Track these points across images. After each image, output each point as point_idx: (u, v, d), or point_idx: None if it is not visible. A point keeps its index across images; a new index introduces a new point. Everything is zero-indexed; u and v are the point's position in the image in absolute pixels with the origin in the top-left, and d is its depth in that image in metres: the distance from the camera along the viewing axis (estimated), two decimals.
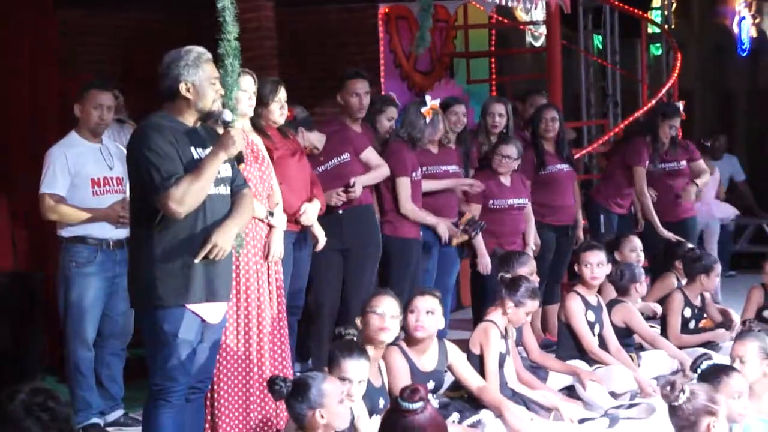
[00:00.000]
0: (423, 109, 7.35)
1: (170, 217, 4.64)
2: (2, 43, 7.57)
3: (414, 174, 7.30)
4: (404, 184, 7.23)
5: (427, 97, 7.50)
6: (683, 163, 9.07)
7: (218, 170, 4.76)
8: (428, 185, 7.46)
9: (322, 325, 6.82)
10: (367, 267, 6.95)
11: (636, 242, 8.05)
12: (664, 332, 7.63)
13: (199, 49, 4.83)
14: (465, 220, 7.65)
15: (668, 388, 4.12)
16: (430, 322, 5.62)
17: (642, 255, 8.01)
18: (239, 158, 4.84)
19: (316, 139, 6.88)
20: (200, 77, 4.76)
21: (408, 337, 5.66)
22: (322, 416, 4.45)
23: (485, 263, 7.68)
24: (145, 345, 4.86)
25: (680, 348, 7.29)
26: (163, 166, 4.62)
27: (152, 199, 4.65)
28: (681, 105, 9.16)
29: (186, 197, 4.60)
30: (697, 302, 7.76)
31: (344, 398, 4.56)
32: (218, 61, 4.98)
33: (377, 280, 7.13)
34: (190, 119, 4.83)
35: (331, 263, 6.76)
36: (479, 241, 7.69)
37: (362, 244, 6.91)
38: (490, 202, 7.79)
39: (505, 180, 7.87)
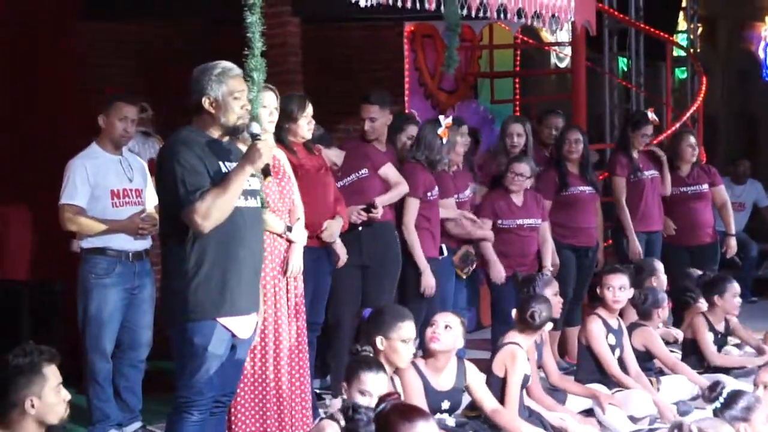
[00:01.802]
0: (439, 131, 7.33)
1: (195, 231, 4.64)
2: (25, 54, 7.62)
3: (429, 194, 7.28)
4: (412, 206, 7.20)
5: (441, 117, 7.48)
6: (705, 186, 9.01)
7: (247, 182, 4.77)
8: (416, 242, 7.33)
9: (341, 341, 6.81)
10: (386, 284, 6.94)
11: (659, 266, 7.99)
12: (689, 356, 7.57)
13: (226, 64, 4.84)
14: (459, 255, 7.65)
15: (676, 431, 4.12)
16: (447, 337, 5.60)
17: (664, 278, 7.96)
18: (266, 172, 4.84)
19: (334, 155, 6.89)
20: (223, 92, 4.77)
21: (425, 355, 5.64)
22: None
23: (498, 270, 7.63)
24: (173, 357, 4.85)
25: (719, 368, 7.24)
26: (188, 180, 4.63)
27: (179, 213, 4.65)
28: (650, 113, 9.09)
29: (211, 211, 4.61)
30: (721, 327, 7.71)
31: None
32: (244, 75, 4.99)
33: (396, 296, 7.12)
34: (216, 133, 4.84)
35: (350, 279, 6.75)
36: (489, 251, 7.66)
37: (382, 261, 6.90)
38: (499, 221, 7.75)
39: (517, 199, 7.81)
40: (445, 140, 7.32)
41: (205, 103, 4.77)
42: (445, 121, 7.39)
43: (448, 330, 5.60)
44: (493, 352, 6.22)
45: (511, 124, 8.32)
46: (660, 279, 7.84)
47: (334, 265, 6.46)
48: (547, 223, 7.95)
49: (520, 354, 6.04)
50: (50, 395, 4.02)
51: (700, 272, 8.21)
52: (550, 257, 7.94)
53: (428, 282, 7.18)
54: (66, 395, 4.07)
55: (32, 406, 3.99)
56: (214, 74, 4.78)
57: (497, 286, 7.73)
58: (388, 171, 7.03)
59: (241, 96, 4.83)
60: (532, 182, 7.87)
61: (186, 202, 4.61)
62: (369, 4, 5.99)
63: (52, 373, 4.04)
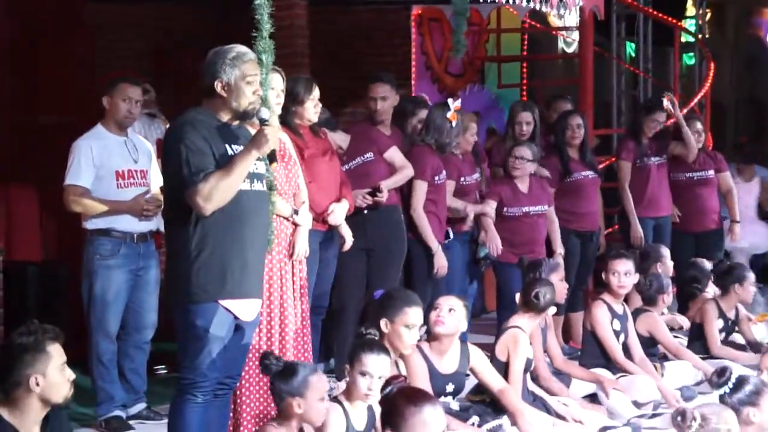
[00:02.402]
0: (448, 114, 7.32)
1: (197, 212, 4.64)
2: (33, 37, 7.61)
3: (437, 178, 7.28)
4: (420, 188, 7.21)
5: (450, 101, 7.47)
6: (711, 172, 8.99)
7: (254, 166, 4.76)
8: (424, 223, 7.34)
9: (345, 325, 6.82)
10: (392, 267, 6.95)
11: (665, 252, 7.99)
12: (694, 342, 7.57)
13: (241, 48, 4.82)
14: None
15: (679, 418, 4.13)
16: (451, 320, 5.62)
17: (670, 264, 7.96)
18: (272, 157, 4.84)
19: (339, 138, 6.89)
20: (236, 76, 4.75)
21: (429, 338, 5.65)
22: (299, 406, 4.51)
23: (495, 243, 7.57)
24: (177, 338, 4.86)
25: (717, 358, 7.24)
26: (192, 161, 4.62)
27: (182, 194, 4.65)
28: (665, 99, 9.07)
29: (213, 193, 4.60)
30: (731, 315, 7.70)
31: (326, 398, 4.57)
32: None
33: (402, 280, 7.13)
34: (226, 117, 4.82)
35: (355, 263, 6.76)
36: (488, 222, 7.59)
37: (387, 245, 6.91)
38: (504, 209, 7.68)
39: (522, 186, 7.73)
40: (454, 123, 7.31)
41: (218, 86, 4.75)
42: (454, 104, 7.38)
43: (452, 313, 5.62)
44: (497, 337, 6.23)
45: (520, 112, 8.28)
46: (665, 265, 7.83)
47: (340, 248, 6.46)
48: (553, 207, 7.91)
49: (523, 337, 6.05)
50: (54, 374, 4.03)
51: (707, 261, 8.20)
52: (560, 242, 7.90)
53: (440, 262, 7.20)
54: (70, 375, 4.09)
55: (37, 384, 4.00)
56: (229, 58, 4.76)
57: (503, 272, 7.70)
58: (394, 155, 7.02)
59: (253, 81, 4.80)
60: (536, 167, 7.82)
61: (189, 183, 4.60)
62: None
63: (56, 351, 4.05)
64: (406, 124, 7.47)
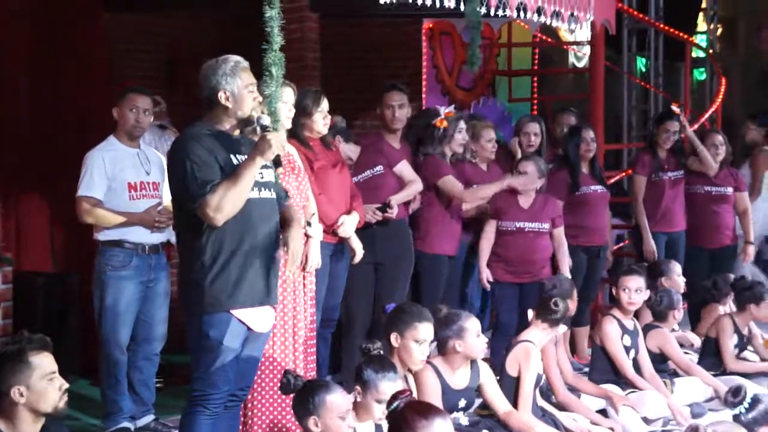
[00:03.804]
0: (435, 120, 7.32)
1: (209, 223, 4.65)
2: (49, 45, 7.63)
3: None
4: (450, 181, 7.21)
5: (441, 108, 7.47)
6: (730, 189, 8.94)
7: (260, 174, 4.78)
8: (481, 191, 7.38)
9: (354, 338, 6.80)
10: (400, 281, 6.93)
11: (677, 267, 7.95)
12: (706, 357, 7.54)
13: (236, 58, 4.87)
14: None
15: None
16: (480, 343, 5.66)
17: (683, 281, 7.93)
18: (277, 162, 4.85)
19: (350, 150, 6.88)
20: (238, 85, 4.80)
21: (442, 353, 5.63)
22: (316, 424, 4.49)
23: (483, 278, 7.41)
24: (189, 350, 4.86)
25: (733, 373, 7.21)
26: (199, 174, 4.66)
27: (191, 208, 4.66)
28: (674, 106, 9.05)
29: (223, 204, 4.63)
30: (746, 331, 7.68)
31: (347, 416, 4.55)
32: (262, 70, 5.00)
33: (410, 294, 7.12)
34: (228, 127, 4.86)
35: (364, 277, 6.74)
36: (482, 256, 7.41)
37: (395, 259, 6.89)
38: (499, 223, 7.43)
39: (524, 201, 7.48)
40: (441, 129, 7.30)
41: (221, 97, 4.79)
42: (445, 110, 7.38)
43: (480, 337, 5.63)
44: (506, 351, 6.20)
45: (528, 123, 8.28)
46: (673, 280, 7.79)
47: (350, 260, 6.45)
48: (562, 228, 7.63)
49: (534, 351, 6.02)
50: (39, 384, 3.99)
51: (733, 276, 8.17)
52: (567, 263, 7.58)
53: (515, 183, 7.25)
54: (62, 384, 4.05)
55: (21, 395, 3.97)
56: (228, 68, 4.81)
57: (493, 290, 7.53)
58: (403, 168, 7.02)
59: (254, 89, 4.87)
60: (543, 183, 7.63)
61: (198, 196, 4.63)
62: (388, 1, 5.98)
63: (42, 361, 4.00)
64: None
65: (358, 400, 4.82)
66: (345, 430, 4.55)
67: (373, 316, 6.82)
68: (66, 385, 4.06)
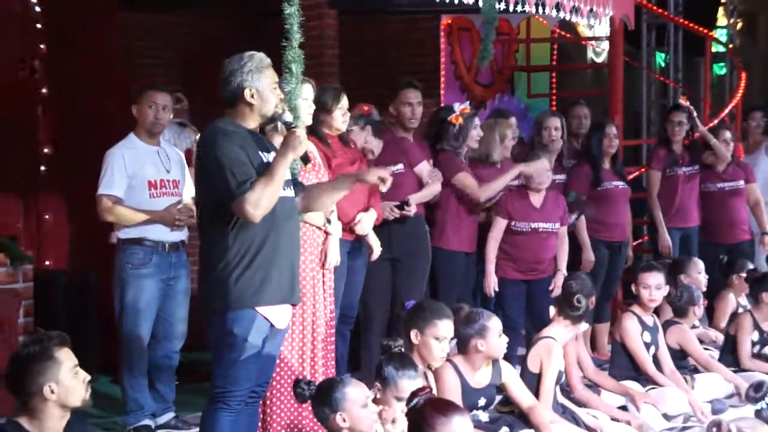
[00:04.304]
0: (450, 117, 7.31)
1: (246, 220, 4.66)
2: (65, 43, 7.65)
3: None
4: (463, 179, 7.20)
5: (456, 104, 7.46)
6: (741, 183, 8.93)
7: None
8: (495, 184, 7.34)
9: (372, 334, 6.81)
10: (417, 277, 6.93)
11: (700, 265, 7.90)
12: (726, 354, 7.51)
13: (260, 55, 4.85)
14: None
15: (714, 429, 4.10)
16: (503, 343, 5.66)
17: (705, 278, 7.89)
18: (305, 158, 4.85)
19: (375, 145, 6.87)
20: (263, 83, 4.79)
21: (462, 352, 5.62)
22: (344, 420, 4.49)
23: (490, 284, 7.33)
24: (211, 347, 4.86)
25: (747, 371, 7.18)
26: (237, 171, 4.65)
27: (227, 204, 4.67)
28: (683, 100, 9.02)
29: (261, 200, 4.63)
30: (765, 326, 7.63)
31: (368, 403, 4.55)
32: (282, 66, 5.00)
33: (427, 291, 7.11)
34: (252, 124, 4.86)
35: (381, 273, 6.74)
36: (489, 259, 7.33)
37: (412, 255, 6.89)
38: (512, 223, 7.38)
39: (536, 200, 7.44)
40: (457, 126, 7.28)
41: (247, 94, 4.78)
42: (461, 107, 7.36)
43: (501, 337, 5.62)
44: (528, 348, 6.19)
45: (548, 118, 8.25)
46: (693, 277, 7.76)
47: (368, 258, 6.45)
48: (566, 227, 7.59)
49: (556, 348, 6.01)
50: (67, 378, 4.03)
51: (752, 266, 8.15)
52: (565, 261, 7.56)
53: (529, 170, 7.26)
54: (85, 377, 4.09)
55: (52, 391, 4.00)
56: (254, 66, 4.79)
57: (504, 289, 7.44)
58: (423, 169, 7.02)
59: (276, 86, 4.86)
60: (550, 178, 7.54)
61: (237, 194, 4.63)
62: None
63: (65, 356, 4.04)
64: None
65: (378, 396, 4.82)
66: (371, 417, 4.57)
67: (391, 313, 6.82)
68: (88, 377, 4.11)
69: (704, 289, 7.73)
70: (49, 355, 4.01)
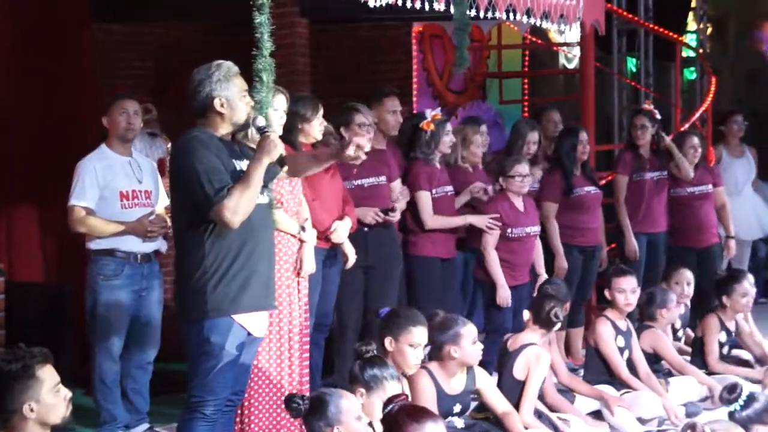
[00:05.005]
0: (421, 124, 7.33)
1: (225, 227, 4.67)
2: (37, 55, 7.62)
3: (434, 191, 7.29)
4: (423, 198, 7.22)
5: (427, 111, 7.49)
6: (710, 187, 8.96)
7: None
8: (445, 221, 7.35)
9: (346, 341, 6.82)
10: (391, 284, 6.95)
11: (687, 276, 7.88)
12: (698, 356, 7.54)
13: (228, 64, 4.87)
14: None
15: (688, 431, 4.13)
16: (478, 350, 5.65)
17: (691, 290, 7.89)
18: (281, 162, 4.86)
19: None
20: (232, 91, 4.81)
21: (437, 359, 5.63)
22: None
23: (505, 296, 7.28)
24: (187, 356, 4.85)
25: (715, 374, 7.21)
26: (214, 178, 4.67)
27: (204, 212, 4.67)
28: (646, 104, 9.04)
29: (239, 206, 4.65)
30: (731, 326, 7.67)
31: (361, 414, 4.54)
32: (254, 76, 5.00)
33: (404, 297, 7.12)
34: (224, 133, 4.87)
35: (355, 280, 6.75)
36: (497, 272, 7.31)
37: (385, 262, 6.91)
38: (509, 230, 7.37)
39: (519, 205, 7.49)
40: (429, 133, 7.30)
41: (216, 104, 4.80)
42: (431, 113, 7.39)
43: (476, 344, 5.62)
44: (505, 356, 6.20)
45: (529, 132, 8.18)
46: (681, 287, 7.73)
47: (343, 266, 6.45)
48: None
49: (545, 355, 6.04)
50: (48, 397, 3.99)
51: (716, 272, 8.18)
52: (543, 264, 7.68)
53: (479, 222, 7.26)
54: (66, 393, 4.05)
55: (31, 410, 3.96)
56: (222, 75, 4.82)
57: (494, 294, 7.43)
58: (396, 187, 7.08)
59: (246, 94, 4.88)
60: (531, 184, 7.64)
61: (216, 200, 4.64)
62: (378, 5, 5.99)
63: (47, 374, 4.00)
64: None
65: (362, 401, 4.80)
66: (365, 428, 4.53)
67: (364, 319, 6.83)
68: (69, 394, 4.07)
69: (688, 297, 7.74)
70: (31, 373, 3.97)
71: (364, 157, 5.05)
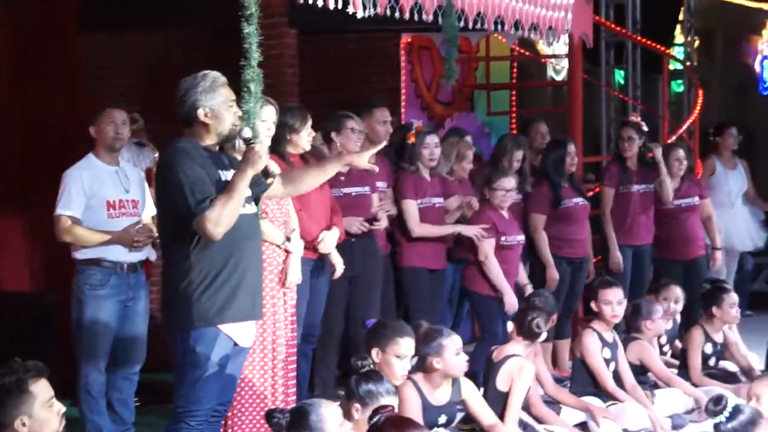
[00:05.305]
0: (408, 135, 7.36)
1: (207, 238, 4.66)
2: (26, 65, 7.61)
3: (421, 201, 7.30)
4: (408, 206, 7.22)
5: (413, 121, 7.51)
6: (696, 199, 8.99)
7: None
8: (432, 229, 7.36)
9: (329, 350, 6.81)
10: (375, 294, 6.96)
11: (676, 293, 7.86)
12: (685, 368, 7.55)
13: (214, 74, 4.87)
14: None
15: None
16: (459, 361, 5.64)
17: (679, 307, 7.89)
18: (266, 173, 4.86)
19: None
20: (217, 101, 4.81)
21: (423, 370, 5.62)
22: None
23: (512, 303, 7.26)
24: (173, 367, 4.85)
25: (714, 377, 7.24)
26: (197, 189, 4.66)
27: (187, 223, 4.67)
28: (633, 116, 9.09)
29: (222, 218, 4.64)
30: (718, 338, 7.68)
31: (343, 421, 4.53)
32: (241, 86, 5.01)
33: (394, 309, 7.12)
34: (210, 143, 4.87)
35: (339, 290, 6.75)
36: (501, 280, 7.33)
37: (370, 272, 6.92)
38: (503, 238, 7.42)
39: (505, 214, 7.52)
40: (410, 144, 7.33)
41: (201, 114, 4.80)
42: (416, 124, 7.42)
43: (460, 355, 5.62)
44: (490, 367, 6.20)
45: (516, 151, 8.14)
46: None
47: (331, 276, 6.45)
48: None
49: (528, 366, 6.04)
50: (41, 412, 3.94)
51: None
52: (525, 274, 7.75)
53: (469, 231, 7.25)
54: (60, 408, 4.03)
55: (24, 425, 3.92)
56: (207, 85, 4.82)
57: (483, 304, 7.46)
58: (375, 200, 7.08)
59: (233, 104, 4.88)
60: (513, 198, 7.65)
61: (198, 212, 4.64)
62: (366, 16, 6.00)
63: (41, 389, 3.96)
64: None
65: (357, 417, 4.78)
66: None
67: (346, 328, 6.83)
68: (63, 409, 4.03)
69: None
70: (24, 388, 3.94)
71: (377, 169, 5.09)
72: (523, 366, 6.01)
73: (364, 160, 5.11)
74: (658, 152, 8.75)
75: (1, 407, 3.91)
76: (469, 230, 7.36)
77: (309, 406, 4.44)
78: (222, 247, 4.72)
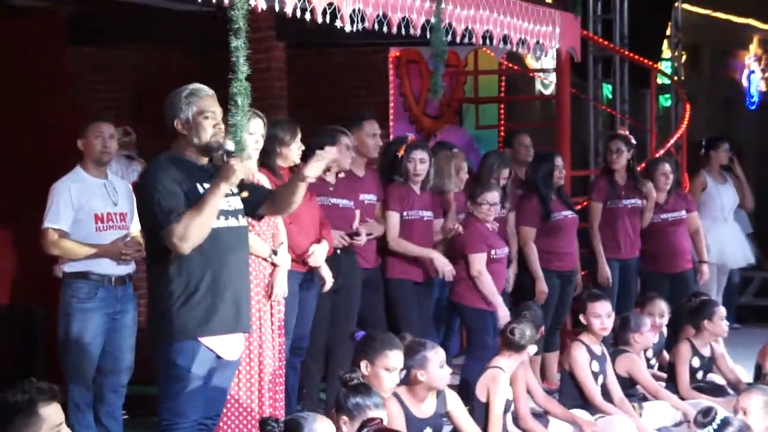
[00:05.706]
0: (400, 147, 7.38)
1: (175, 252, 4.66)
2: (14, 77, 7.61)
3: (406, 214, 7.30)
4: (391, 218, 7.23)
5: (408, 135, 7.53)
6: (683, 213, 9.03)
7: (227, 203, 4.80)
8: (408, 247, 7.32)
9: (313, 362, 6.79)
10: (356, 305, 6.95)
11: (661, 307, 7.86)
12: (672, 382, 7.56)
13: (197, 86, 4.91)
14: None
15: None
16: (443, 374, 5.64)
17: (665, 320, 7.90)
18: (242, 187, 4.86)
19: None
20: (193, 112, 4.84)
21: (408, 383, 5.62)
22: None
23: (504, 316, 7.21)
24: (157, 380, 4.84)
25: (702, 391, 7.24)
26: (164, 203, 4.68)
27: (161, 237, 4.67)
28: (621, 129, 9.12)
29: (188, 232, 4.64)
30: (706, 352, 7.69)
31: None
32: (230, 100, 5.01)
33: (384, 321, 7.12)
34: (193, 155, 4.89)
35: (324, 301, 6.74)
36: (494, 294, 7.31)
37: (352, 283, 6.91)
38: (493, 252, 7.42)
39: (491, 226, 7.53)
40: (400, 158, 7.35)
41: (177, 125, 4.84)
42: (410, 137, 7.44)
43: (444, 368, 5.62)
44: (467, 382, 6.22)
45: (503, 169, 8.12)
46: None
47: (320, 289, 6.45)
48: None
49: (502, 377, 6.05)
50: None
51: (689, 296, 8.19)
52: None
53: (440, 263, 7.20)
54: None
55: None
56: (184, 96, 4.86)
57: (474, 318, 7.44)
58: (357, 215, 7.06)
59: (211, 115, 4.88)
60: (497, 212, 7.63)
61: (164, 225, 4.65)
62: (354, 30, 6.01)
63: (51, 412, 3.87)
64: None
65: (345, 430, 4.77)
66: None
67: (331, 339, 6.83)
68: None
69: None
70: (34, 410, 3.88)
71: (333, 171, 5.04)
72: (497, 377, 6.06)
73: (315, 170, 5.05)
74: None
75: (9, 426, 3.88)
76: (441, 263, 7.29)
77: (304, 420, 4.43)
78: (202, 261, 4.73)
